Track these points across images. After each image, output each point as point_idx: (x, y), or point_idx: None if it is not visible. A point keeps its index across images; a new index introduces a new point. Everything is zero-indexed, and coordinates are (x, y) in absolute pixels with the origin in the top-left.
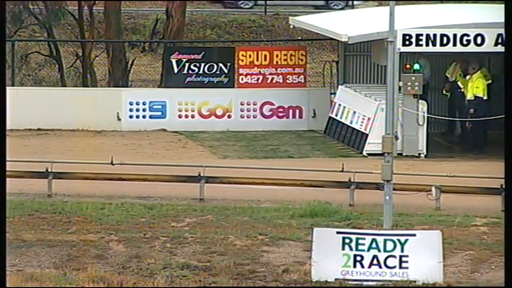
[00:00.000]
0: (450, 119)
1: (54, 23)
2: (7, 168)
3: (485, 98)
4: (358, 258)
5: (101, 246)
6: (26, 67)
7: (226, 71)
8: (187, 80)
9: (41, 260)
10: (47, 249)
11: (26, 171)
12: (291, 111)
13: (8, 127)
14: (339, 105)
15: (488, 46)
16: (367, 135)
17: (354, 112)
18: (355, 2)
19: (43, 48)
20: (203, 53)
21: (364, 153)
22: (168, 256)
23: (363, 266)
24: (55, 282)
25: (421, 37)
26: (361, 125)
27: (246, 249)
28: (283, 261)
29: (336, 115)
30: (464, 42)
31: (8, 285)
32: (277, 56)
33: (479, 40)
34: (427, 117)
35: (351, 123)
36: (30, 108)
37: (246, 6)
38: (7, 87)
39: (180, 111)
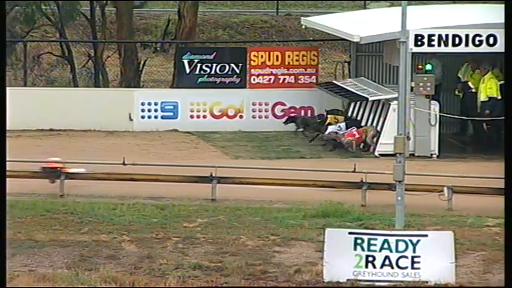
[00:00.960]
0: (464, 118)
1: (66, 24)
2: (20, 169)
3: (499, 98)
4: (370, 258)
5: (113, 246)
6: (38, 67)
7: (238, 71)
8: (199, 80)
9: (53, 260)
10: (59, 250)
11: (38, 171)
12: (302, 111)
13: (20, 127)
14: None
15: (501, 46)
16: (378, 135)
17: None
18: (367, 2)
19: (55, 49)
20: (215, 53)
21: (376, 153)
22: (180, 256)
23: (374, 267)
24: (67, 282)
25: (433, 37)
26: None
27: (258, 249)
28: (295, 262)
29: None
30: (477, 43)
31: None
32: (289, 56)
33: (491, 40)
34: (439, 117)
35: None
36: (42, 108)
37: None
38: (20, 88)
39: (192, 111)
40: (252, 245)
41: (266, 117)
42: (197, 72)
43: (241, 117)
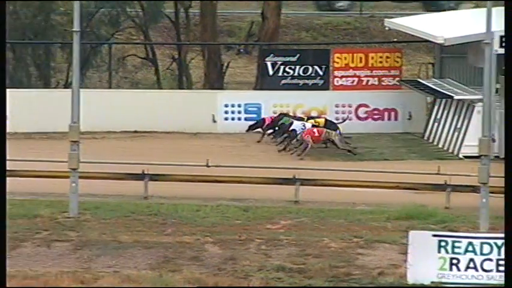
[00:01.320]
0: None
1: (150, 26)
2: (105, 170)
3: None
4: (455, 261)
5: (197, 248)
6: (122, 70)
7: (321, 73)
8: (282, 82)
9: (137, 262)
10: (143, 251)
11: (122, 173)
12: (386, 113)
13: (105, 129)
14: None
15: None
16: (463, 137)
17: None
18: (450, 4)
19: (140, 51)
20: (298, 55)
21: (460, 155)
22: (263, 258)
23: (459, 269)
24: (151, 283)
25: None
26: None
27: (341, 251)
28: (379, 264)
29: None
30: None
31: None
32: (372, 58)
33: None
34: None
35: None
36: (126, 110)
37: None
38: (105, 90)
39: (275, 113)
40: (335, 247)
41: (349, 119)
42: (280, 74)
43: None
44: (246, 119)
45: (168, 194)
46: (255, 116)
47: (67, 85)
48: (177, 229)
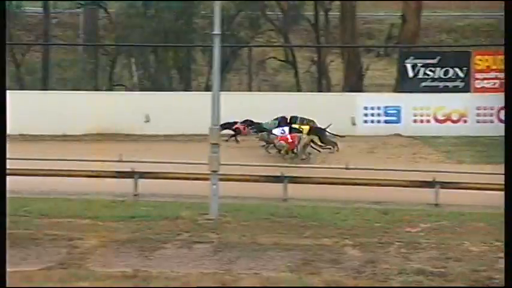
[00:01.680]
0: None
1: (290, 29)
2: (247, 173)
3: None
4: None
5: (336, 250)
6: (262, 72)
7: (462, 75)
8: (422, 84)
9: (276, 264)
10: (283, 253)
11: (261, 175)
12: None
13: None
14: None
15: None
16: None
17: None
18: None
19: (279, 54)
20: (438, 57)
21: None
22: (403, 261)
23: None
24: (291, 285)
25: None
26: None
27: (482, 255)
28: None
29: None
30: None
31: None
32: None
33: None
34: None
35: None
36: (266, 112)
37: None
38: (245, 93)
39: (415, 116)
40: (476, 250)
41: (491, 121)
42: (420, 76)
43: (465, 121)
44: (386, 122)
45: (306, 196)
46: (394, 118)
47: (207, 88)
48: (316, 231)
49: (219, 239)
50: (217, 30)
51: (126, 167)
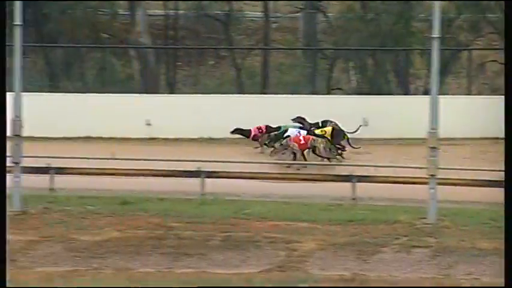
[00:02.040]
0: None
1: None
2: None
3: None
4: None
5: None
6: (482, 76)
7: None
8: None
9: (497, 269)
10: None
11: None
12: None
13: (463, 135)
14: None
15: None
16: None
17: None
18: None
19: (500, 57)
20: None
21: None
22: None
23: None
24: None
25: None
26: None
27: None
28: None
29: None
30: None
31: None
32: None
33: None
34: None
35: None
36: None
37: None
38: (463, 96)
39: None
40: None
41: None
42: None
43: None
44: None
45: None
46: None
47: (426, 91)
48: None
49: (437, 244)
50: (436, 32)
51: (343, 171)
